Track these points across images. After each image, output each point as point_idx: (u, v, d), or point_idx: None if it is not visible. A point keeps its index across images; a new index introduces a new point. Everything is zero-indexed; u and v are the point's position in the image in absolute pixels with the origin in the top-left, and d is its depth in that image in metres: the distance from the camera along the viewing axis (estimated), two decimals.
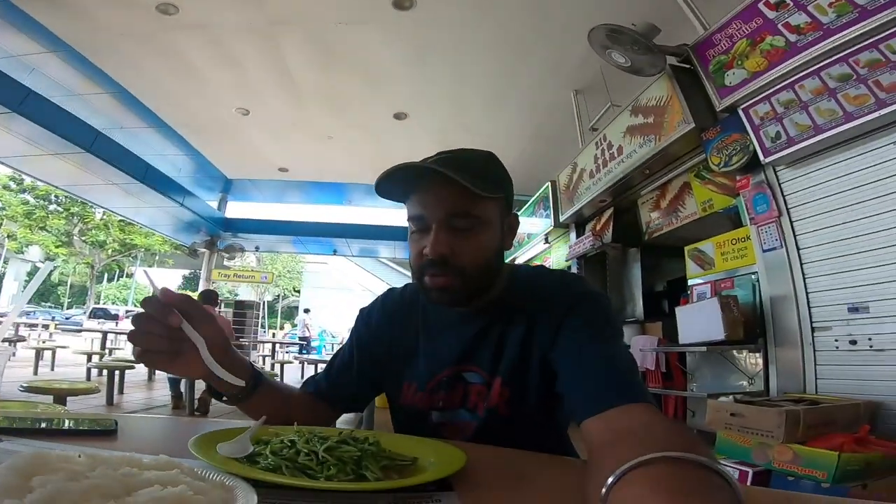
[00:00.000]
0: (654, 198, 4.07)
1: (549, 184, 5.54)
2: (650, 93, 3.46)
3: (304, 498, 0.43)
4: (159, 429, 0.89)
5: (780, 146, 2.49)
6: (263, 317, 16.10)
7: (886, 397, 2.06)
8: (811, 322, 2.40)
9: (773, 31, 2.55)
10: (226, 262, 11.49)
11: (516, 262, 3.32)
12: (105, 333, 7.43)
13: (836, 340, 2.29)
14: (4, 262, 23.18)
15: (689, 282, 3.34)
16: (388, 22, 4.00)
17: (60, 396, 2.67)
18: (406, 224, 0.78)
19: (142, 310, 0.58)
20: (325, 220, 10.40)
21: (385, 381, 0.88)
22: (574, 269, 4.97)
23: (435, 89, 5.11)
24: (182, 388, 4.54)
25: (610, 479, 0.36)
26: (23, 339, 7.46)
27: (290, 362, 8.47)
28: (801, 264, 2.47)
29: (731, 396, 2.30)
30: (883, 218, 2.13)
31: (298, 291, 27.99)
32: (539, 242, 6.06)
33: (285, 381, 6.83)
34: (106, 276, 28.90)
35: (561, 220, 5.29)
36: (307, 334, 14.20)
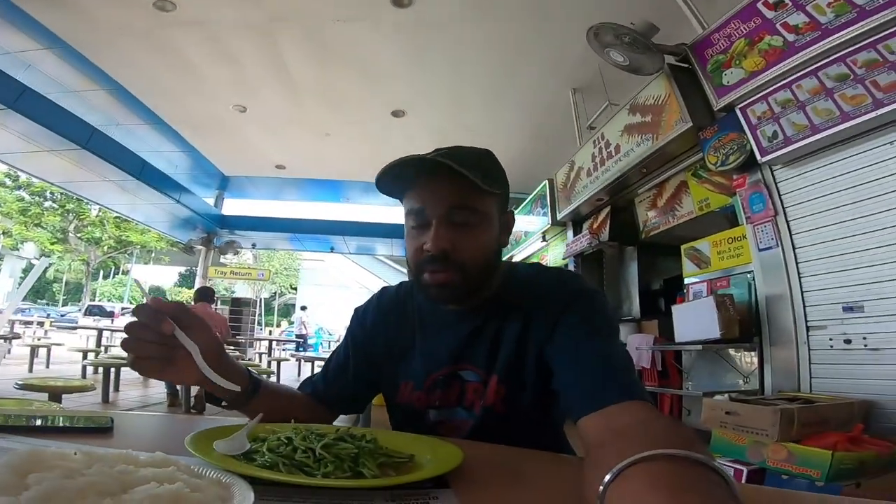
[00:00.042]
0: (651, 196, 4.08)
1: (546, 182, 5.54)
2: (648, 92, 3.47)
3: (300, 495, 0.43)
4: (155, 426, 0.89)
5: (776, 146, 2.50)
6: (260, 314, 16.06)
7: (880, 396, 2.08)
8: (806, 321, 2.42)
9: (771, 31, 2.56)
10: (222, 260, 11.44)
11: (513, 261, 3.32)
12: (100, 331, 7.38)
13: (831, 339, 2.30)
14: None
15: (686, 280, 3.35)
16: (386, 19, 3.99)
17: (56, 394, 2.65)
18: (403, 221, 0.78)
19: (134, 318, 0.58)
20: (322, 217, 10.40)
21: (382, 381, 0.87)
22: (571, 268, 4.98)
23: (433, 87, 5.10)
24: (178, 386, 4.52)
25: (608, 476, 0.36)
26: (18, 337, 7.40)
27: (287, 360, 8.45)
28: (797, 263, 2.48)
29: (726, 395, 2.31)
30: (878, 218, 2.14)
31: (295, 289, 27.90)
32: (536, 240, 6.08)
33: (282, 378, 6.83)
34: (101, 273, 28.85)
35: (558, 218, 5.30)
36: (304, 332, 14.16)
